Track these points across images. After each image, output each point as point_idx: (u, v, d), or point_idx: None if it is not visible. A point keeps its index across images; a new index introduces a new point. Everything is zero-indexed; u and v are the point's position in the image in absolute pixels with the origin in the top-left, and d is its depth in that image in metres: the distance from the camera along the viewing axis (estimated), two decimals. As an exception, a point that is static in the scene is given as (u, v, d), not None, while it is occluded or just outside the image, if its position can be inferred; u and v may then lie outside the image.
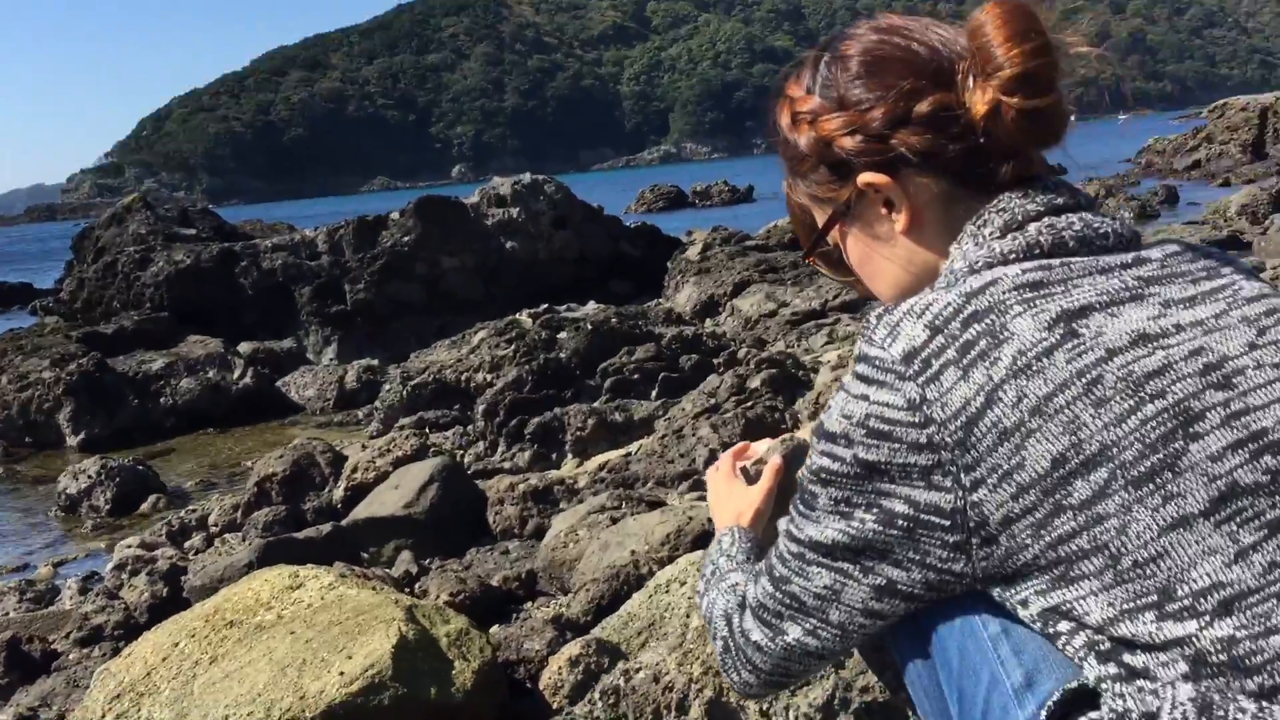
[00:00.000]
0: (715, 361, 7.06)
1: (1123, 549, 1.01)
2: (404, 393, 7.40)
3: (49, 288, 24.26)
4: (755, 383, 6.33)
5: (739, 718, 1.85)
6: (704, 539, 3.54)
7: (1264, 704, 0.95)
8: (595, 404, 6.65)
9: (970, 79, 1.17)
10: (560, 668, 2.77)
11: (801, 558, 1.20)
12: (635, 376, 6.90)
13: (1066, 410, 1.03)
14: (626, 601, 3.14)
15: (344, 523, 4.89)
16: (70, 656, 4.01)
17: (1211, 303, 1.12)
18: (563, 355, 7.03)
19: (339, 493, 5.52)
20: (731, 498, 1.67)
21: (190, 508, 6.37)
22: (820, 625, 1.21)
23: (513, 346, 7.20)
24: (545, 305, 8.29)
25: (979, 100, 1.17)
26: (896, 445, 1.09)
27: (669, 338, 7.30)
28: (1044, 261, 1.13)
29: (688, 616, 2.94)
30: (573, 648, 2.82)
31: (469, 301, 12.98)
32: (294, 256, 13.37)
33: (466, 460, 6.36)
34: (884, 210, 1.26)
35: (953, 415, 1.06)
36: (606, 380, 6.87)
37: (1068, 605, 1.05)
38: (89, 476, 7.19)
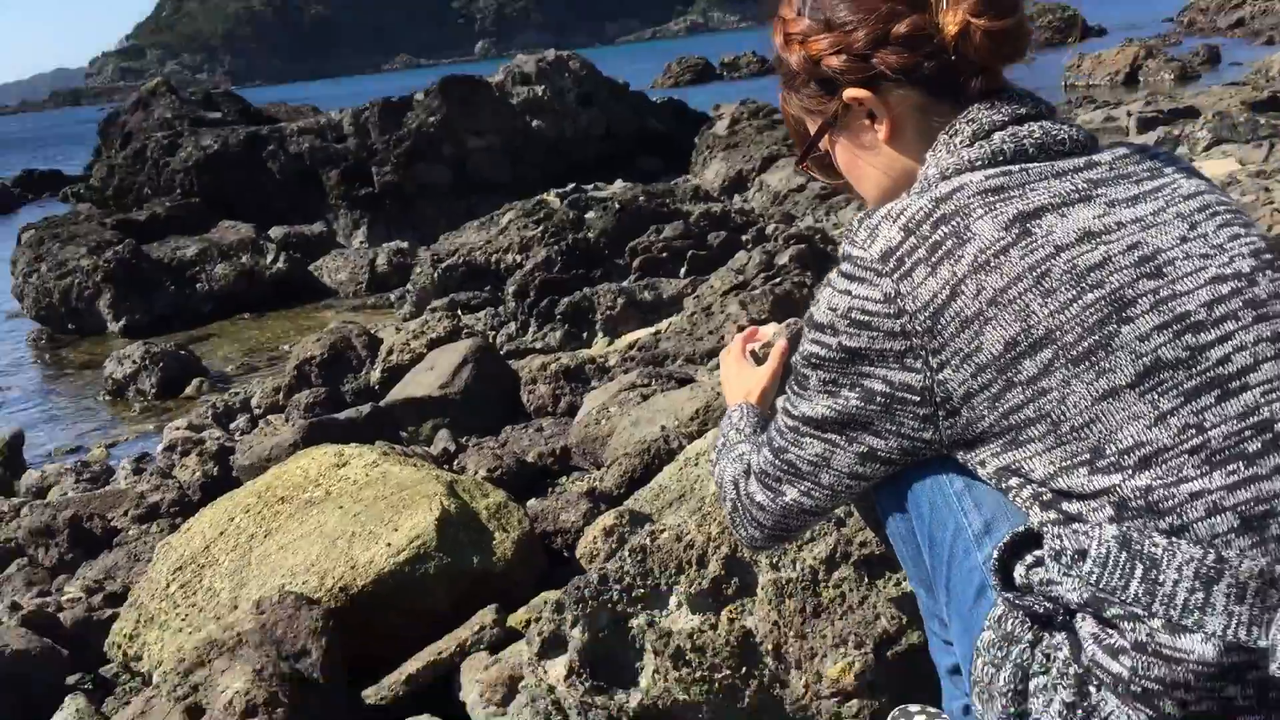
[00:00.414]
0: (744, 238, 7.09)
1: (1062, 416, 1.18)
2: (435, 275, 7.50)
3: (78, 174, 24.37)
4: (784, 259, 6.36)
5: (752, 570, 2.04)
6: (732, 414, 3.65)
7: (1172, 539, 1.15)
8: (624, 283, 6.72)
9: (943, 2, 1.31)
10: (595, 537, 2.91)
11: (796, 430, 1.38)
12: (664, 255, 6.95)
13: (1018, 300, 1.19)
14: (657, 474, 3.26)
15: (382, 403, 5.04)
16: (130, 532, 4.21)
17: (1151, 201, 1.26)
18: (591, 235, 7.08)
19: (376, 374, 5.66)
20: (740, 377, 1.83)
21: (233, 390, 6.56)
22: (813, 487, 1.40)
23: (541, 227, 7.25)
24: (573, 185, 8.30)
25: (950, 21, 1.30)
26: (875, 333, 1.24)
27: (697, 215, 7.32)
28: (1005, 168, 1.27)
29: (716, 488, 3.07)
30: (607, 518, 2.95)
31: (496, 182, 12.97)
32: (320, 140, 13.36)
33: (498, 341, 6.49)
34: (867, 121, 1.40)
35: (922, 306, 1.21)
36: (635, 259, 6.93)
37: (1017, 464, 1.23)
38: (133, 362, 7.38)
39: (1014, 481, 1.25)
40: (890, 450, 1.32)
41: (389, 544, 2.77)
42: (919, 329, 1.22)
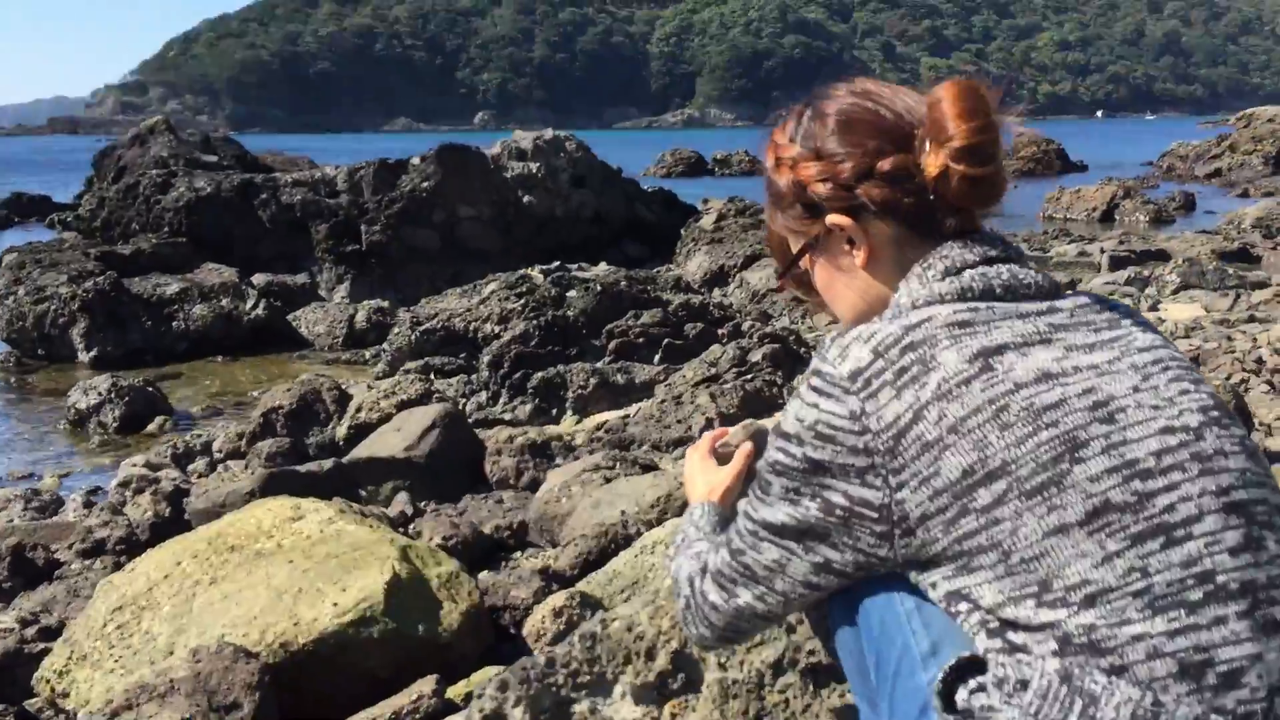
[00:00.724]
0: (720, 332, 7.16)
1: (1013, 547, 1.22)
2: (412, 337, 7.52)
3: (67, 202, 24.36)
4: (757, 356, 6.43)
5: (699, 667, 2.04)
6: (692, 505, 3.66)
7: (1112, 678, 1.18)
8: (599, 364, 6.76)
9: (926, 144, 1.39)
10: (544, 616, 2.90)
11: (755, 534, 1.41)
12: (640, 340, 7.00)
13: (977, 431, 1.24)
14: (613, 559, 3.26)
15: (345, 460, 5.02)
16: (72, 566, 4.15)
17: (1107, 349, 1.32)
18: (570, 313, 7.14)
19: (342, 430, 5.64)
20: (705, 475, 1.86)
21: (196, 432, 6.51)
22: (767, 592, 1.42)
23: (522, 300, 7.30)
24: (558, 263, 8.39)
25: (932, 164, 1.38)
26: (839, 448, 1.29)
27: (676, 304, 7.39)
28: (973, 304, 1.33)
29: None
30: (557, 598, 2.95)
31: (483, 252, 13.06)
32: (313, 193, 13.45)
33: (468, 409, 6.49)
34: (847, 246, 1.47)
35: (885, 427, 1.27)
36: (611, 341, 6.98)
37: (967, 590, 1.26)
38: (99, 393, 7.32)
39: (963, 606, 1.28)
40: (845, 564, 1.35)
41: (335, 603, 2.74)
42: (881, 448, 1.27)
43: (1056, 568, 1.20)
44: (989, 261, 1.38)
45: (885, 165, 1.40)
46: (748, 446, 1.87)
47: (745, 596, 1.44)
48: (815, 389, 1.32)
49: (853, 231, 1.44)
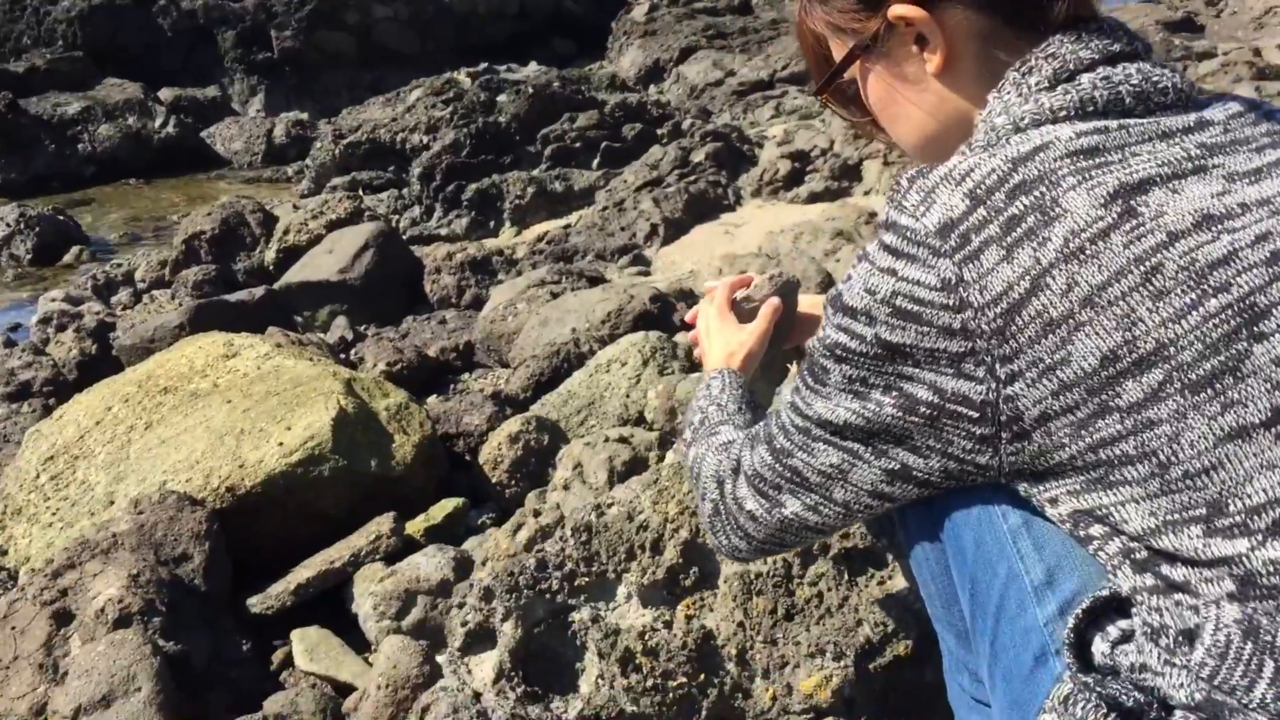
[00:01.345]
0: (659, 132, 6.89)
1: (1173, 458, 0.93)
2: (336, 151, 7.15)
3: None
4: (699, 156, 6.21)
5: (714, 559, 1.76)
6: (645, 318, 3.54)
7: None
8: (535, 172, 6.50)
9: None
10: (500, 443, 2.80)
11: (807, 433, 1.12)
12: (577, 144, 6.72)
13: (1122, 302, 0.93)
14: (566, 379, 3.15)
15: (277, 286, 4.80)
16: (-2, 412, 3.95)
17: (1277, 176, 1.00)
18: (502, 119, 6.81)
19: (271, 254, 5.39)
20: (723, 335, 1.57)
21: (115, 261, 6.20)
22: (822, 502, 1.14)
23: (450, 108, 6.94)
24: (485, 64, 7.96)
25: None
26: (925, 328, 0.98)
27: (612, 105, 7.08)
28: (1100, 123, 1.00)
29: (627, 396, 2.97)
30: (512, 424, 2.84)
31: (402, 54, 12.44)
32: (216, -3, 12.59)
33: (402, 225, 6.24)
34: (915, 48, 1.12)
35: (992, 300, 0.95)
36: (547, 147, 6.69)
37: (1104, 510, 0.98)
38: (7, 225, 6.93)
39: (1097, 530, 1.00)
40: (930, 471, 1.06)
41: (281, 443, 2.61)
42: (985, 328, 0.96)
43: (1234, 484, 0.91)
44: (1110, 59, 1.04)
45: None
46: (775, 302, 1.59)
47: (793, 506, 1.16)
48: (890, 248, 1.00)
49: (925, 25, 1.09)
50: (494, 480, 2.76)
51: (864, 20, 1.13)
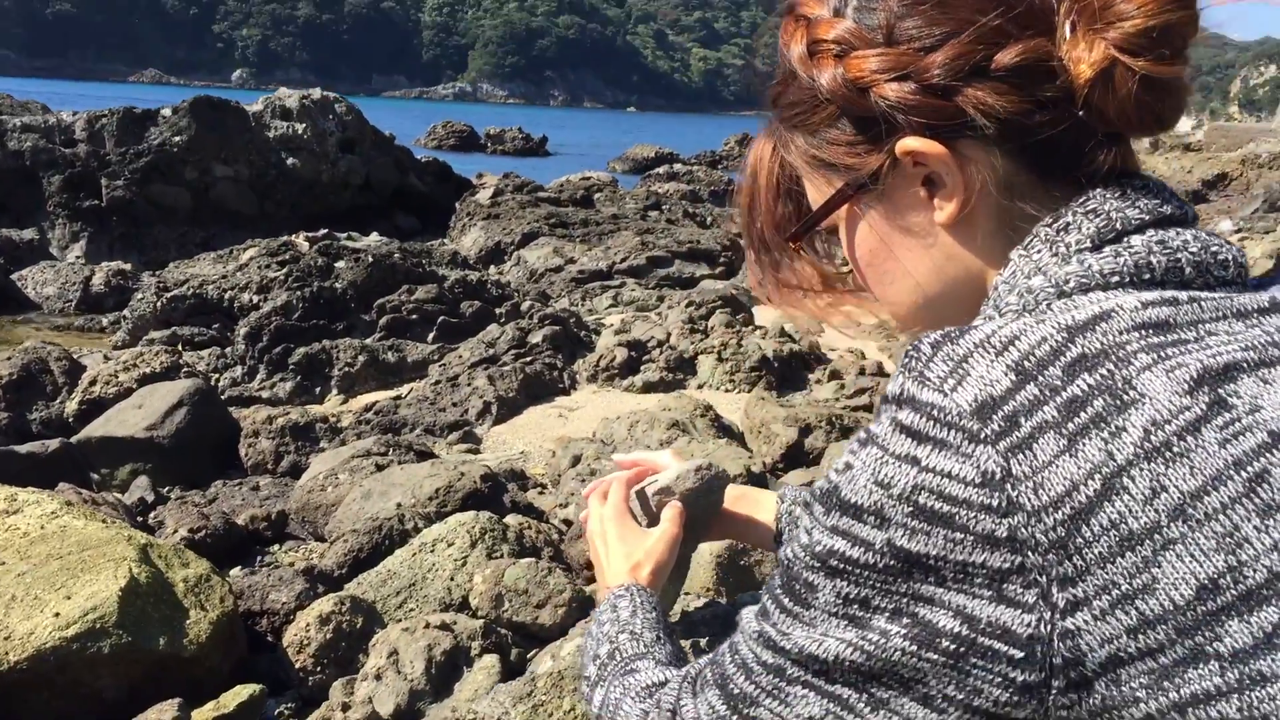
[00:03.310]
0: (497, 311, 6.89)
1: None
2: (158, 303, 6.86)
3: None
4: (537, 337, 6.20)
5: None
6: (475, 497, 3.40)
7: None
8: (368, 340, 6.36)
9: (1073, 26, 0.84)
10: (308, 624, 2.58)
11: (780, 673, 0.85)
12: (413, 317, 6.64)
13: (1223, 516, 0.73)
14: (387, 557, 2.96)
15: (75, 439, 4.46)
16: None
17: None
18: (338, 285, 6.69)
19: (72, 405, 5.04)
20: (624, 541, 1.32)
21: (-107, 403, 5.69)
22: None
23: (285, 269, 6.79)
24: (325, 230, 7.88)
25: (1085, 57, 0.83)
26: (959, 536, 0.76)
27: (452, 280, 7.06)
28: (1170, 294, 0.82)
29: (452, 579, 2.80)
30: (324, 604, 2.63)
31: (240, 215, 12.25)
32: (46, 140, 12.22)
33: (221, 385, 5.96)
34: (923, 192, 0.91)
35: (1051, 503, 0.74)
36: (383, 317, 6.59)
37: None
38: None
39: None
40: None
41: (57, 614, 2.34)
42: (1041, 538, 0.74)
43: None
44: (1161, 223, 0.86)
45: (1008, 57, 0.84)
46: (677, 505, 1.34)
47: None
48: (910, 431, 0.78)
49: (941, 165, 0.87)
50: (298, 665, 2.53)
51: (863, 155, 0.92)
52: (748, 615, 0.91)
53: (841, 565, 0.81)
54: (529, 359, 5.86)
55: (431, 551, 2.87)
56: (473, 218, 11.42)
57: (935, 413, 0.77)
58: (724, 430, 4.65)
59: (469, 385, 5.46)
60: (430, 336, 6.55)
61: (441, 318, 6.66)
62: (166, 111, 12.61)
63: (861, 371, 5.82)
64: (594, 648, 1.15)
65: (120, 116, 12.41)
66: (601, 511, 1.37)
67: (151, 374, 5.06)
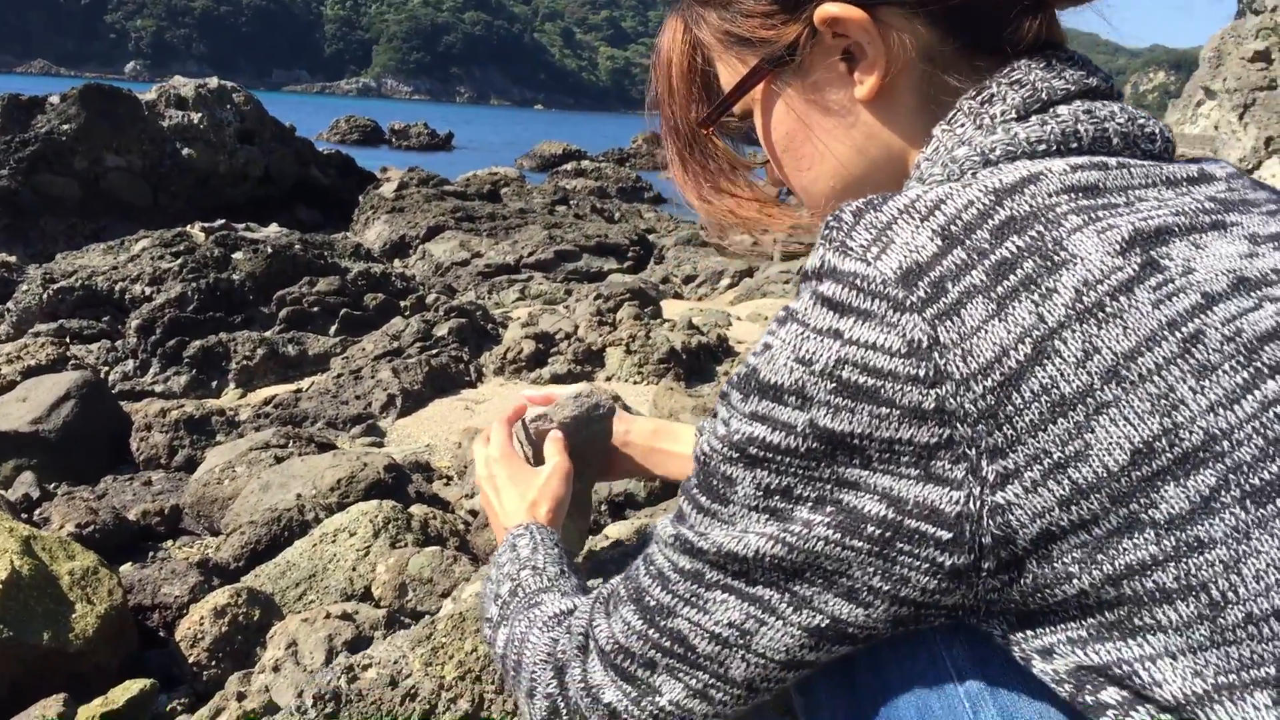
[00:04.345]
0: (402, 304, 6.77)
1: (1230, 593, 0.68)
2: (44, 295, 6.60)
3: None
4: (442, 330, 6.11)
5: None
6: (378, 487, 3.32)
7: None
8: (267, 333, 6.20)
9: None
10: (203, 617, 2.49)
11: (698, 577, 0.80)
12: (315, 309, 6.49)
13: (1157, 377, 0.69)
14: (286, 549, 2.88)
15: (-47, 434, 4.26)
16: None
17: None
18: (236, 277, 6.51)
19: (-49, 399, 4.80)
20: (515, 482, 1.27)
21: None
22: (715, 683, 0.81)
23: (180, 260, 6.58)
24: (222, 221, 7.67)
25: None
26: (885, 411, 0.71)
27: (355, 273, 6.93)
28: (1099, 159, 0.78)
29: (354, 570, 2.73)
30: (219, 596, 2.54)
31: (132, 206, 11.88)
32: (-76, 127, 11.70)
33: (112, 379, 5.75)
34: (842, 66, 0.86)
35: (980, 370, 0.70)
36: (283, 310, 6.43)
37: (1126, 666, 0.71)
38: None
39: (1111, 696, 0.72)
40: (870, 624, 0.76)
41: (-69, 609, 2.21)
42: (970, 408, 0.70)
43: None
44: (1087, 94, 0.83)
45: None
46: (557, 434, 1.28)
47: (673, 691, 0.83)
48: (831, 302, 0.73)
49: (863, 32, 0.83)
50: (191, 660, 2.43)
51: (779, 26, 0.87)
52: (662, 523, 0.86)
53: (761, 453, 0.75)
54: (435, 352, 5.77)
55: (333, 542, 2.80)
56: (376, 211, 11.24)
57: (858, 282, 0.72)
58: (632, 420, 4.63)
59: (373, 378, 5.35)
60: (332, 329, 6.42)
61: (344, 310, 6.53)
62: (55, 99, 12.17)
63: (768, 363, 5.85)
64: (494, 589, 1.09)
65: (4, 104, 11.94)
66: (487, 454, 1.31)
67: (37, 366, 4.86)
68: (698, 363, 6.04)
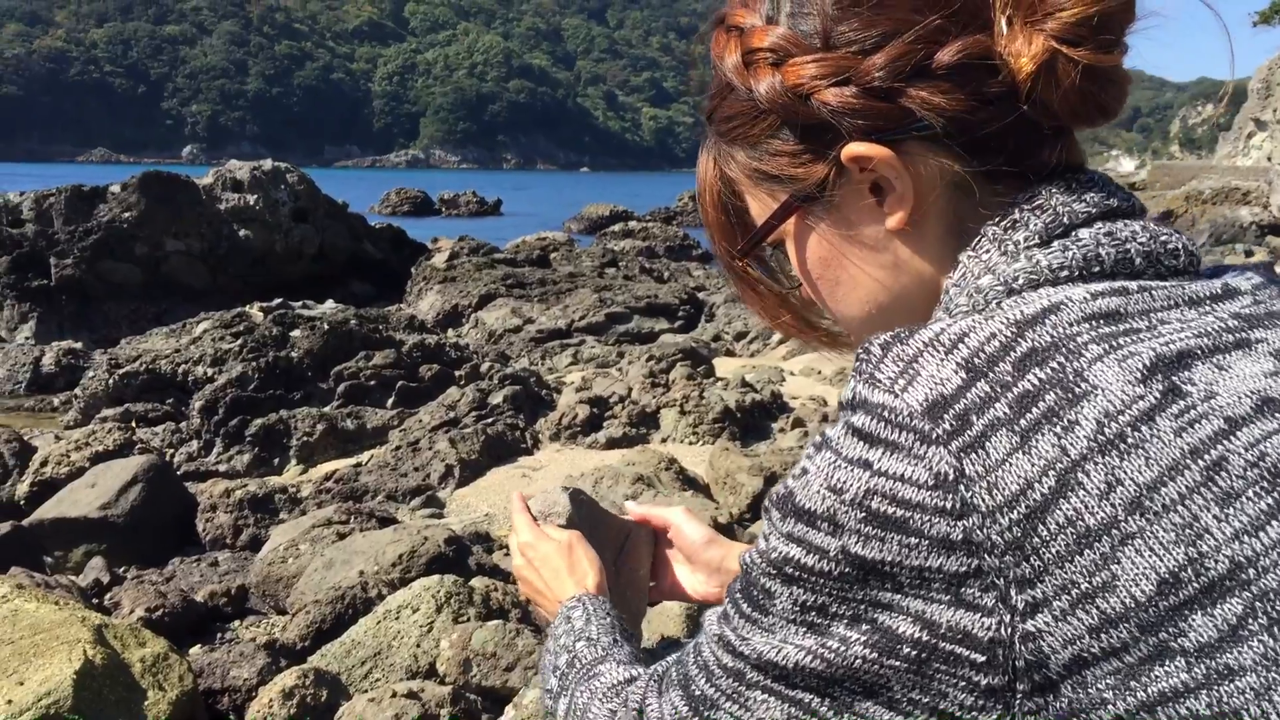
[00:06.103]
0: (457, 374, 6.84)
1: None
2: (110, 381, 6.76)
3: None
4: (497, 398, 6.16)
5: None
6: (439, 561, 3.34)
7: None
8: (326, 409, 6.29)
9: (1009, 20, 0.82)
10: (271, 699, 2.51)
11: (740, 677, 0.83)
12: (372, 383, 6.58)
13: (1181, 506, 0.70)
14: (351, 627, 2.90)
15: (26, 522, 4.36)
16: None
17: None
18: (294, 354, 6.62)
19: (24, 487, 4.92)
20: (560, 558, 1.28)
21: None
22: None
23: (240, 340, 6.72)
24: (279, 300, 7.82)
25: (1025, 50, 0.81)
26: (914, 541, 0.73)
27: (410, 345, 7.02)
28: (1120, 284, 0.81)
29: (418, 646, 2.74)
30: (287, 677, 2.57)
31: (192, 289, 12.16)
32: (-8, 221, 12.10)
33: (177, 460, 5.86)
34: (870, 199, 0.88)
35: (1006, 502, 0.72)
36: (340, 384, 6.52)
37: None
38: None
39: None
40: None
41: (10, 700, 2.26)
42: (997, 539, 0.72)
43: None
44: (1109, 215, 0.85)
45: (949, 54, 0.81)
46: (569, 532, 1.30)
47: None
48: (862, 434, 0.76)
49: (888, 169, 0.85)
50: (262, 742, 2.45)
51: (808, 165, 0.89)
52: (710, 617, 0.88)
53: (797, 573, 0.78)
54: (490, 420, 5.82)
55: (396, 618, 2.81)
56: (429, 281, 11.40)
57: (886, 414, 0.75)
58: (689, 483, 4.62)
59: (430, 449, 5.40)
60: (389, 402, 6.50)
61: (400, 382, 6.61)
62: (115, 188, 12.54)
63: (824, 419, 5.82)
64: (552, 660, 1.10)
65: (68, 195, 12.32)
66: (518, 542, 1.31)
67: (104, 452, 4.97)
68: (753, 420, 6.03)
